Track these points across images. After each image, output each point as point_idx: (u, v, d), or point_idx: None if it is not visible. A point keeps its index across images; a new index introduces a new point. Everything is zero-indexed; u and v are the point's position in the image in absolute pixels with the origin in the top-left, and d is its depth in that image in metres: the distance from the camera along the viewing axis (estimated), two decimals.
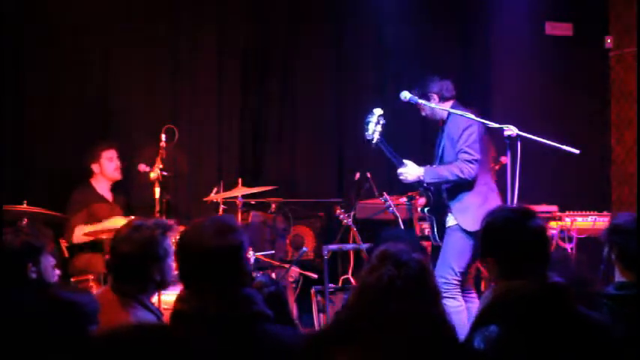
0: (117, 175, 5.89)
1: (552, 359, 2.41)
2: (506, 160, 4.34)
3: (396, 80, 6.91)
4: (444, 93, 5.03)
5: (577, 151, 4.43)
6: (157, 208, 5.25)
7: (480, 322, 2.49)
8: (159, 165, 5.33)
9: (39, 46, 6.06)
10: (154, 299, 3.10)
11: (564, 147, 4.42)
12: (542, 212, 5.72)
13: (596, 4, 7.55)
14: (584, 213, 5.82)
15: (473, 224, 4.79)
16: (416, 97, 4.89)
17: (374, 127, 4.87)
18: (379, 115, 4.90)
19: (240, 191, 5.55)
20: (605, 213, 5.86)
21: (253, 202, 6.17)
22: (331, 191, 6.76)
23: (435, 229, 5.03)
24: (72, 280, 5.11)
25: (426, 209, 5.06)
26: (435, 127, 5.20)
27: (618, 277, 3.16)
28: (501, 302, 2.49)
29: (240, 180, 5.69)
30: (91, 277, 5.05)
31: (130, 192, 6.14)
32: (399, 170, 4.96)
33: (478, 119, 4.76)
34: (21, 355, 2.40)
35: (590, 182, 7.37)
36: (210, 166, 6.68)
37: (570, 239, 5.64)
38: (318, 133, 7.10)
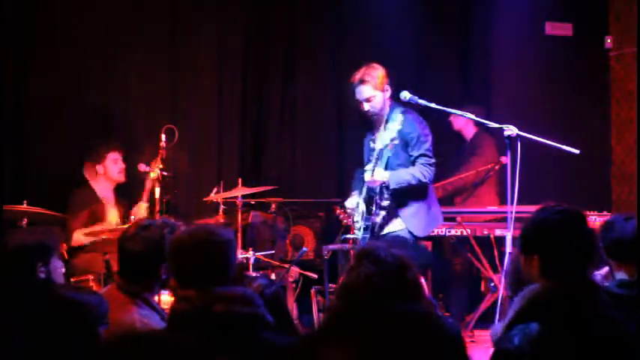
0: (121, 178, 5.86)
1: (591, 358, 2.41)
2: (506, 160, 4.33)
3: (396, 80, 6.89)
4: (390, 84, 4.73)
5: (577, 151, 4.43)
6: (157, 208, 5.25)
7: (518, 320, 2.47)
8: (159, 165, 5.32)
9: (39, 47, 6.06)
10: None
11: (564, 147, 4.41)
12: None
13: (596, 4, 7.55)
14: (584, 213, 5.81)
15: (422, 229, 4.66)
16: (416, 98, 4.80)
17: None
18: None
19: (240, 191, 5.54)
20: (605, 213, 5.84)
21: (253, 202, 6.16)
22: (331, 191, 6.75)
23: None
24: (72, 280, 5.11)
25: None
26: (368, 126, 4.97)
27: (617, 275, 3.17)
28: (542, 301, 2.47)
29: (240, 180, 5.69)
30: (90, 277, 5.04)
31: (130, 193, 6.14)
32: (368, 178, 4.59)
33: (479, 119, 4.74)
34: (30, 355, 2.41)
35: (590, 182, 7.37)
36: (210, 166, 6.68)
37: None
38: (318, 133, 7.09)
